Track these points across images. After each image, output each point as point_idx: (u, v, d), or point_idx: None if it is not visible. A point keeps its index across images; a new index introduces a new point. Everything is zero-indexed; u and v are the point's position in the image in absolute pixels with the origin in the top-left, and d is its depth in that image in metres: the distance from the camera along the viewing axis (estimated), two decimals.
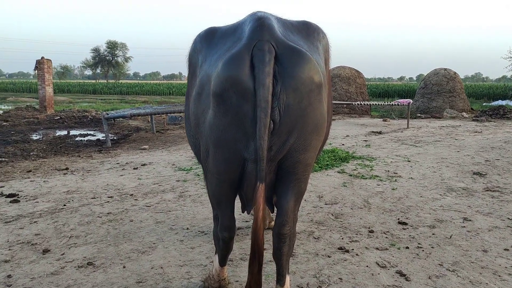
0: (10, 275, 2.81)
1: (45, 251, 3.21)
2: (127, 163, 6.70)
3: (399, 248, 3.16)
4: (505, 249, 3.11)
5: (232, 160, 1.95)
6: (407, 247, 3.17)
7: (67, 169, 6.34)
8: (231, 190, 2.09)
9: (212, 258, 3.02)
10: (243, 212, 3.45)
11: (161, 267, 2.89)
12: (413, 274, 2.74)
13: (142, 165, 6.51)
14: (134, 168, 6.25)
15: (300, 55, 1.85)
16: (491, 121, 12.70)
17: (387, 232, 3.48)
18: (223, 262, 2.35)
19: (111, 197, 4.69)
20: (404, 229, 3.55)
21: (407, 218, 3.79)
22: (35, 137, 10.71)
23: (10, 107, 22.08)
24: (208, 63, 2.04)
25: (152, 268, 2.89)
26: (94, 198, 4.65)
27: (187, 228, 3.67)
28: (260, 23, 1.90)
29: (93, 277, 2.77)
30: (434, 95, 15.79)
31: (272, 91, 1.77)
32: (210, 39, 2.14)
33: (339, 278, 2.68)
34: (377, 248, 3.15)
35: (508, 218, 3.78)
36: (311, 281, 2.65)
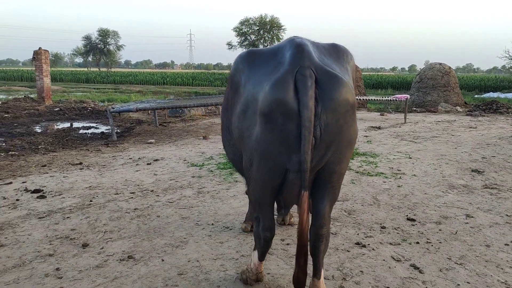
0: (58, 268, 3.07)
1: (85, 245, 3.46)
2: (139, 158, 6.93)
3: (410, 243, 3.47)
4: (505, 244, 3.45)
5: (276, 170, 2.22)
6: (418, 242, 3.49)
7: (81, 163, 6.55)
8: (272, 195, 2.37)
9: (241, 252, 3.32)
10: (278, 212, 3.76)
11: (197, 261, 3.17)
12: (426, 267, 3.06)
13: (154, 160, 6.73)
14: (148, 164, 6.48)
15: (337, 79, 2.11)
16: (484, 115, 13.11)
17: (398, 228, 3.80)
18: (262, 257, 2.64)
19: (133, 193, 4.94)
20: (413, 225, 3.88)
21: (414, 215, 4.11)
22: (38, 129, 10.84)
23: (4, 97, 22.00)
24: (252, 84, 2.29)
25: (189, 261, 3.17)
26: (117, 194, 4.90)
27: (212, 224, 3.95)
28: (300, 50, 2.17)
29: (137, 270, 3.04)
30: (429, 89, 16.16)
31: (314, 112, 2.04)
32: (251, 61, 2.39)
33: (360, 271, 2.99)
34: (390, 243, 3.47)
35: (507, 215, 4.12)
36: (335, 273, 2.95)
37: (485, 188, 5.04)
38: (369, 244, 3.44)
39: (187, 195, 4.83)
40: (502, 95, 26.03)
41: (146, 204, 4.52)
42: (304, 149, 2.02)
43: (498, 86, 35.64)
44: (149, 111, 12.81)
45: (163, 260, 3.19)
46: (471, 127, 10.44)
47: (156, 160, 6.76)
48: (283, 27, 62.79)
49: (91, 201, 4.61)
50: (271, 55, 2.32)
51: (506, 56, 10.50)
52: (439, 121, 11.81)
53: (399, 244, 3.46)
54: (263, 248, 2.55)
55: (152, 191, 5.02)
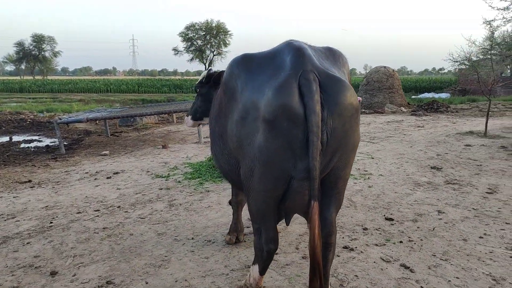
0: None
1: (53, 273, 3.12)
2: (97, 172, 6.47)
3: (394, 243, 3.53)
4: (480, 237, 3.62)
5: (280, 179, 2.12)
6: (401, 241, 3.55)
7: (30, 181, 5.99)
8: (275, 205, 2.26)
9: (231, 267, 3.16)
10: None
11: (185, 280, 2.97)
12: (415, 265, 3.11)
13: (114, 173, 6.33)
14: (108, 177, 6.07)
15: (341, 83, 2.06)
16: (427, 115, 13.98)
17: (379, 228, 3.85)
18: (263, 271, 2.51)
19: (98, 210, 4.57)
20: (392, 224, 3.95)
21: (391, 214, 4.21)
22: None
23: None
24: (250, 89, 2.17)
25: (176, 281, 2.96)
26: (80, 212, 4.50)
27: (192, 238, 3.74)
28: (301, 53, 2.09)
29: None
30: (375, 92, 16.94)
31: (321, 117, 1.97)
32: (247, 66, 2.27)
33: (355, 275, 2.97)
34: (376, 245, 3.50)
35: (473, 208, 4.35)
36: (331, 280, 2.89)
37: (448, 183, 5.31)
38: (356, 247, 3.44)
39: (159, 209, 4.56)
40: (436, 95, 27.99)
41: (115, 222, 4.20)
42: (312, 155, 1.94)
43: (431, 87, 38.37)
44: (97, 121, 12.13)
45: (147, 283, 2.94)
46: (419, 126, 11.05)
47: (116, 173, 6.36)
48: (229, 32, 62.94)
49: (51, 222, 4.19)
50: (268, 59, 2.22)
51: (450, 59, 11.54)
52: (388, 122, 12.38)
53: (384, 244, 3.50)
54: (266, 261, 2.42)
55: (118, 207, 4.68)
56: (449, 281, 2.88)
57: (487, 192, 4.89)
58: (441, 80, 42.40)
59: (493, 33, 8.96)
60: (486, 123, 9.14)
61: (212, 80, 3.50)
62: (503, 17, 8.25)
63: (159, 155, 7.79)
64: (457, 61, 10.15)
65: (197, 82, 3.74)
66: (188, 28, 62.26)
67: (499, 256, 3.24)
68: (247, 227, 3.85)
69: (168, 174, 6.12)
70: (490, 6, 7.71)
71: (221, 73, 3.47)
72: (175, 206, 4.64)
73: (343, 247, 3.44)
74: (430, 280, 2.89)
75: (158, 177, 6.01)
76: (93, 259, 3.36)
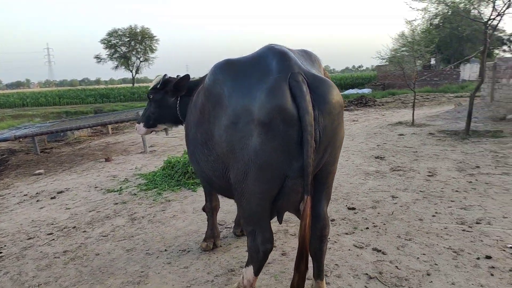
0: None
1: None
2: (37, 193, 5.95)
3: (362, 230, 3.76)
4: (433, 216, 4.00)
5: (276, 179, 2.17)
6: (367, 228, 3.79)
7: None
8: (269, 205, 2.30)
9: (214, 273, 3.13)
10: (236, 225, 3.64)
11: None
12: (385, 248, 3.35)
13: (58, 192, 5.87)
14: (52, 198, 5.62)
15: (327, 83, 2.18)
16: (358, 109, 14.95)
17: (345, 218, 4.07)
18: (258, 272, 2.52)
19: (51, 233, 4.23)
20: (355, 213, 4.20)
21: (352, 204, 4.46)
22: None
23: None
24: (239, 94, 2.18)
25: None
26: (31, 238, 4.13)
27: (165, 250, 3.63)
28: (286, 57, 2.17)
29: None
30: None
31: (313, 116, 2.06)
32: (232, 71, 2.28)
33: (336, 264, 3.11)
34: (346, 233, 3.69)
35: (421, 191, 4.78)
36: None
37: (393, 171, 5.76)
38: (329, 238, 3.60)
39: (120, 225, 4.34)
40: (360, 91, 29.97)
41: (76, 243, 3.92)
42: (307, 153, 2.02)
43: (354, 83, 41.06)
44: (21, 138, 11.11)
45: None
46: (354, 120, 11.78)
47: (61, 192, 5.91)
48: (155, 38, 61.27)
49: (0, 253, 3.79)
50: (253, 64, 2.25)
51: (378, 57, 12.69)
52: None
53: (353, 232, 3.71)
54: (261, 261, 2.44)
55: (74, 227, 4.37)
56: (418, 258, 3.15)
57: (428, 175, 5.40)
58: (362, 77, 45.56)
59: (413, 31, 9.85)
60: (413, 113, 10.04)
61: (174, 86, 3.42)
62: (423, 17, 9.15)
63: (103, 168, 7.37)
64: (384, 58, 11.01)
65: (150, 88, 3.63)
66: (110, 34, 59.48)
67: (453, 231, 3.61)
68: (221, 231, 3.82)
69: (120, 187, 5.83)
70: (411, 7, 8.51)
71: (184, 79, 3.42)
72: (137, 220, 4.45)
73: None
74: (401, 260, 3.14)
75: (109, 191, 5.70)
76: (61, 285, 3.11)
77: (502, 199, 4.30)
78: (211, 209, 3.51)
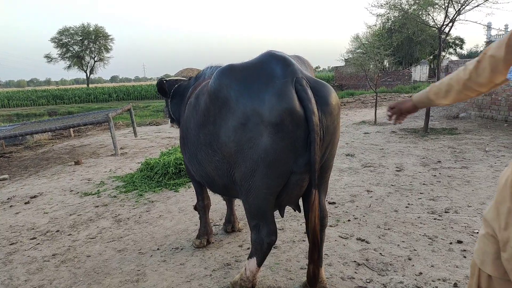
0: None
1: None
2: (8, 198, 5.73)
3: (344, 222, 4.03)
4: (406, 207, 4.35)
5: (283, 175, 2.36)
6: (349, 220, 4.07)
7: None
8: (274, 200, 2.48)
9: (211, 267, 3.25)
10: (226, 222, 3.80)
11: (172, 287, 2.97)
12: (368, 237, 3.63)
13: (32, 197, 5.69)
14: (26, 203, 5.44)
15: (327, 87, 2.39)
16: None
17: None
18: (261, 263, 2.69)
19: (34, 238, 4.14)
20: (336, 207, 4.47)
21: (332, 199, 4.73)
22: None
23: None
24: (247, 97, 2.33)
25: None
26: (14, 243, 4.02)
27: (158, 249, 3.70)
28: (289, 63, 2.36)
29: None
30: None
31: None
32: (238, 76, 2.42)
33: (325, 254, 3.33)
34: (331, 226, 3.94)
35: (392, 185, 5.15)
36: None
37: (364, 167, 6.13)
38: None
39: (106, 227, 4.33)
40: None
41: (63, 246, 3.87)
42: (314, 151, 2.22)
43: None
44: None
45: None
46: None
47: (34, 196, 5.73)
48: (110, 37, 59.40)
49: None
50: (257, 69, 2.40)
51: (341, 59, 13.52)
52: None
53: (337, 225, 3.97)
54: (265, 253, 2.60)
55: (57, 231, 4.30)
56: (398, 245, 3.45)
57: (396, 170, 5.81)
58: (320, 77, 46.77)
59: (371, 35, 10.41)
60: (375, 113, 10.60)
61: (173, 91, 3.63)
62: (381, 22, 9.71)
63: (74, 172, 7.19)
64: (347, 60, 11.54)
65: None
66: (61, 33, 56.97)
67: (425, 220, 3.97)
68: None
69: (98, 190, 5.75)
70: (371, 13, 9.02)
71: (177, 82, 3.61)
72: (123, 221, 4.45)
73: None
74: (384, 247, 3.43)
75: (87, 195, 5.61)
76: (57, 287, 3.10)
77: (465, 190, 4.76)
78: (203, 207, 3.63)
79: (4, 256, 3.71)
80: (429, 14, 9.22)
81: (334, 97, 2.38)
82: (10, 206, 5.34)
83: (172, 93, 3.70)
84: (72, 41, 57.26)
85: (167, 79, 3.80)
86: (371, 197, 4.74)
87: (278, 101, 2.20)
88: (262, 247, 2.57)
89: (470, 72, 1.70)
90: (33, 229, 4.43)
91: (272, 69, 2.36)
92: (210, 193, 3.60)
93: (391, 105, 2.12)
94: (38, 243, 3.98)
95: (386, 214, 4.17)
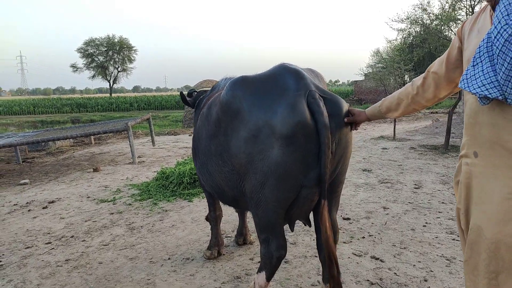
0: None
1: None
2: (27, 202, 5.86)
3: (358, 239, 3.93)
4: (423, 226, 4.22)
5: (293, 189, 2.32)
6: (363, 237, 3.98)
7: None
8: (283, 213, 2.45)
9: (221, 280, 3.22)
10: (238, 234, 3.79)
11: None
12: (383, 256, 3.53)
13: (50, 202, 5.80)
14: (44, 208, 5.55)
15: (340, 101, 2.37)
16: None
17: (341, 228, 4.24)
18: (271, 277, 2.64)
19: (50, 243, 4.20)
20: (350, 223, 4.38)
21: (346, 214, 4.65)
22: None
23: None
24: (259, 109, 2.32)
25: None
26: (29, 247, 4.09)
27: (169, 258, 3.69)
28: (302, 76, 2.35)
29: None
30: None
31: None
32: (251, 88, 2.42)
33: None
34: (344, 242, 3.86)
35: (409, 202, 5.03)
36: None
37: (381, 183, 6.01)
38: None
39: (120, 234, 4.36)
40: None
41: (77, 252, 3.91)
42: (324, 163, 2.19)
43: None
44: (12, 146, 10.83)
45: None
46: None
47: (52, 202, 5.84)
48: (133, 48, 60.95)
49: (0, 261, 3.75)
50: (270, 82, 2.40)
51: (360, 73, 13.56)
52: None
53: (351, 241, 3.88)
54: (274, 267, 2.56)
55: (72, 237, 4.35)
56: (414, 265, 3.34)
57: (414, 188, 5.67)
58: (339, 91, 46.64)
59: (392, 50, 10.33)
60: (394, 128, 10.44)
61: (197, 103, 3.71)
62: (402, 37, 9.68)
63: (93, 179, 7.31)
64: (367, 74, 11.46)
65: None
66: (87, 43, 58.84)
67: (444, 240, 3.84)
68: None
69: (114, 197, 5.82)
70: (391, 27, 8.98)
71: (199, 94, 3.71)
72: (136, 229, 4.48)
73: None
74: (399, 267, 3.32)
75: (103, 202, 5.68)
76: None
77: None
78: (215, 218, 3.62)
79: (19, 260, 3.78)
80: (450, 29, 9.10)
81: (345, 110, 2.35)
82: (29, 211, 5.46)
83: (197, 104, 3.75)
84: (97, 51, 59.04)
85: (197, 90, 3.92)
86: (387, 214, 4.63)
87: (290, 113, 2.19)
88: (271, 261, 2.53)
89: (417, 87, 1.88)
90: (48, 233, 4.50)
91: (285, 82, 2.35)
92: (222, 204, 3.59)
93: (348, 118, 2.34)
94: (53, 248, 4.04)
95: (402, 233, 4.06)
